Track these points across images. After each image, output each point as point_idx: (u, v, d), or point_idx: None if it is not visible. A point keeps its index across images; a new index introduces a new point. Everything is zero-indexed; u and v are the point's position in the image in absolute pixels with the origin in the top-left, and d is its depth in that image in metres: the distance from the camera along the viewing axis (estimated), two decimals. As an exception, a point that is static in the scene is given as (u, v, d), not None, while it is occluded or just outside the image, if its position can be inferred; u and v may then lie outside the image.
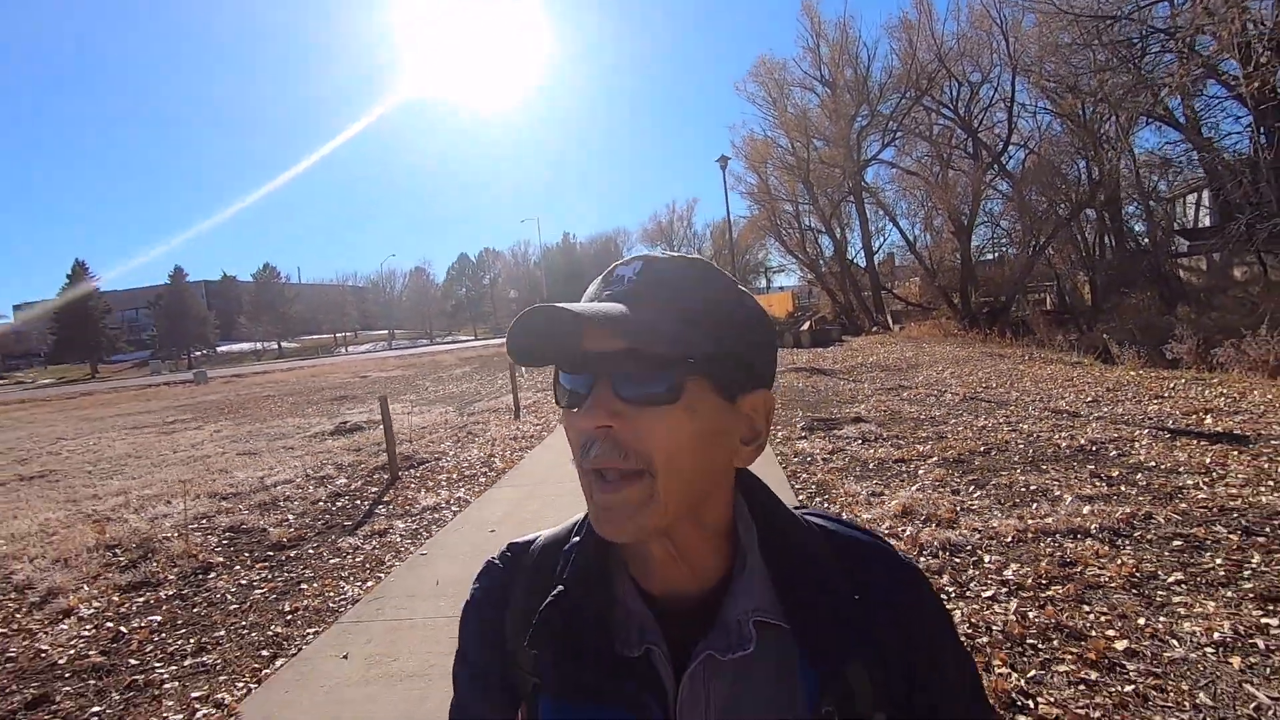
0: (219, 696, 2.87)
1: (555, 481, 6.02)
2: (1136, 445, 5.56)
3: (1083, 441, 5.82)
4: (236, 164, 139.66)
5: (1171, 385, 8.00)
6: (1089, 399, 7.72)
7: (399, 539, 4.89)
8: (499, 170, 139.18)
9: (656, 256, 0.58)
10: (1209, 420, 6.15)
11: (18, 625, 3.96)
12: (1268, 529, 3.58)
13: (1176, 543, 3.54)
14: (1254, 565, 3.19)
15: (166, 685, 3.04)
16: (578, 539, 0.63)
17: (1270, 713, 2.16)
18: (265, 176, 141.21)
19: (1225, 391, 7.35)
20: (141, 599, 4.19)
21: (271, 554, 4.84)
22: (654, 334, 0.53)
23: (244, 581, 4.33)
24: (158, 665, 3.26)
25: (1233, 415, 6.23)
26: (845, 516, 0.63)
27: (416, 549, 4.58)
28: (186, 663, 3.26)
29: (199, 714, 2.75)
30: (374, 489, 6.51)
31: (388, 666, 2.91)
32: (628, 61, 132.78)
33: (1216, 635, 2.63)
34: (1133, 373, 9.43)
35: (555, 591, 0.59)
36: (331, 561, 4.55)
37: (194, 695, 2.92)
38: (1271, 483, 4.32)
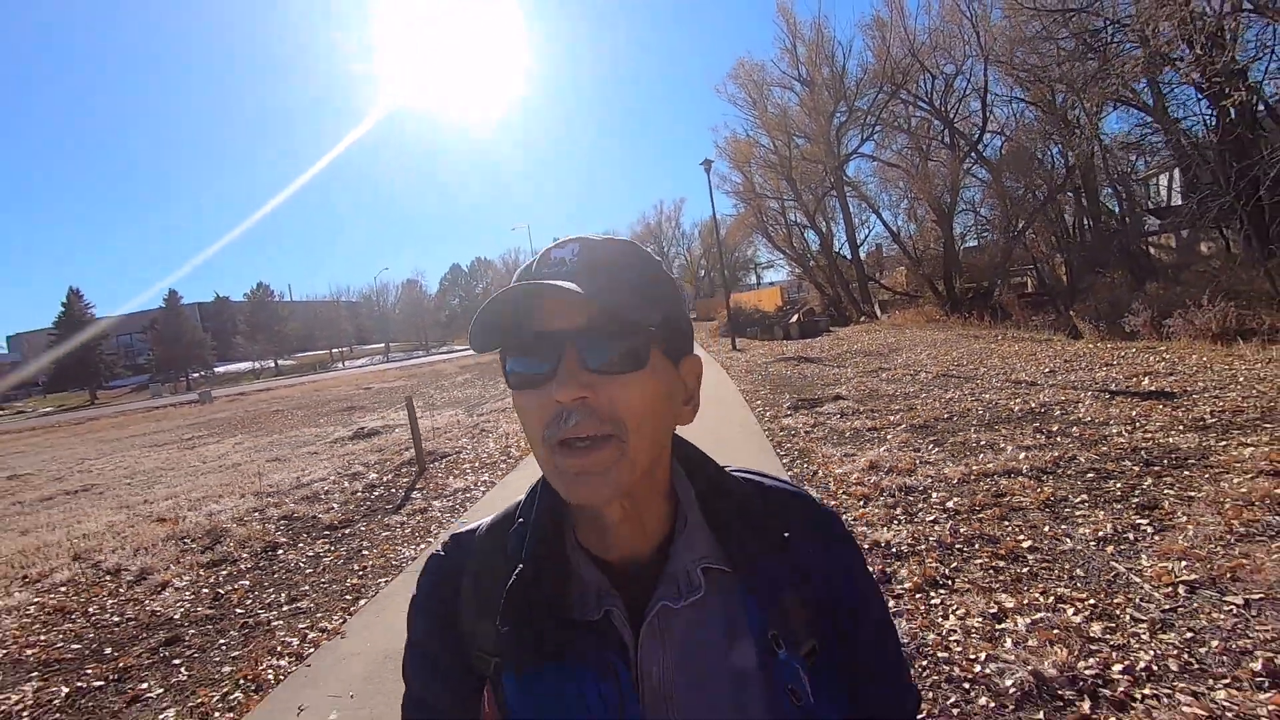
0: (322, 625, 3.61)
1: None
2: (1079, 406, 6.32)
3: (1034, 405, 6.59)
4: (225, 186, 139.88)
5: (1122, 354, 8.80)
6: (1047, 370, 8.50)
7: (439, 514, 5.64)
8: (488, 179, 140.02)
9: (589, 238, 0.62)
10: (1146, 381, 6.93)
11: (125, 596, 4.67)
12: (1165, 461, 4.35)
13: (1089, 475, 4.31)
14: (1144, 487, 3.96)
15: (274, 623, 3.78)
16: (521, 521, 0.67)
17: (1123, 578, 2.92)
18: (255, 197, 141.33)
19: (1167, 357, 8.15)
20: (225, 572, 4.91)
21: (328, 533, 5.57)
22: (623, 305, 0.57)
23: (311, 554, 5.06)
24: (261, 611, 4.00)
25: (1167, 376, 7.01)
26: (769, 471, 0.78)
27: (456, 520, 5.32)
28: (285, 609, 3.99)
29: (309, 636, 3.49)
30: (405, 479, 7.24)
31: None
32: (610, 67, 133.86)
33: (1100, 534, 3.39)
34: (1091, 345, 10.24)
35: (517, 570, 0.62)
36: (383, 534, 5.29)
37: (300, 626, 3.66)
38: (1181, 427, 5.09)
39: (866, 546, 3.56)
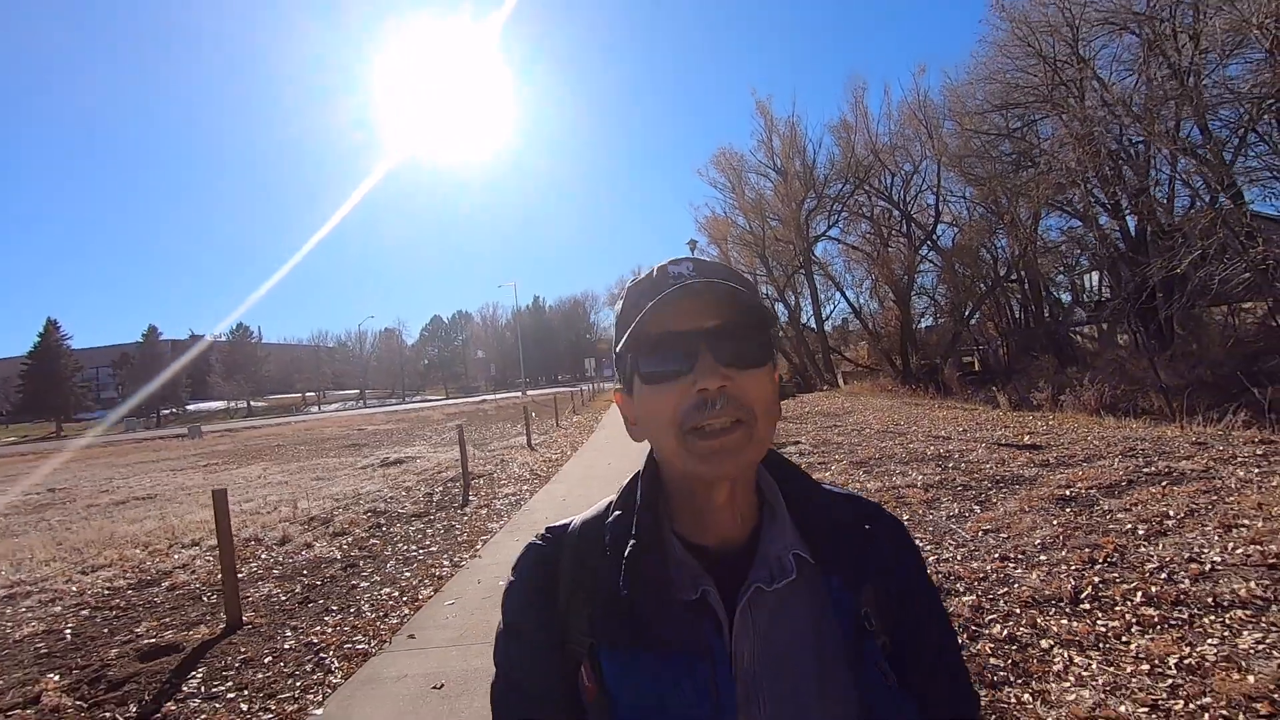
0: (459, 555, 5.52)
1: (590, 480, 8.74)
2: (973, 452, 8.54)
3: (942, 451, 8.78)
4: (204, 228, 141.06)
5: (1020, 420, 11.16)
6: (961, 429, 10.78)
7: (501, 508, 7.55)
8: (472, 236, 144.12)
9: (698, 258, 0.73)
10: (1026, 438, 9.21)
11: (280, 551, 6.46)
12: (1009, 481, 6.53)
13: (959, 487, 6.46)
14: (990, 493, 6.11)
15: (421, 556, 5.67)
16: (619, 512, 0.74)
17: (953, 532, 5.02)
18: (237, 242, 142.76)
19: (1050, 423, 10.50)
20: (350, 538, 6.73)
21: (415, 519, 7.42)
22: (756, 309, 0.68)
23: (415, 528, 6.93)
24: (405, 553, 5.87)
25: (1043, 435, 9.30)
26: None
27: (519, 510, 7.24)
28: (420, 552, 5.88)
29: (455, 559, 5.40)
30: (455, 490, 9.10)
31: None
32: (595, 133, 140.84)
33: (949, 514, 5.51)
34: (1001, 414, 12.63)
35: (630, 544, 0.69)
36: (464, 518, 7.18)
37: (443, 557, 5.56)
38: (1032, 465, 7.29)
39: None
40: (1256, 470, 5.63)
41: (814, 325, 35.49)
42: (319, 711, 3.04)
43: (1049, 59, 18.61)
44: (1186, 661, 2.72)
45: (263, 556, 6.27)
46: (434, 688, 3.15)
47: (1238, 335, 17.84)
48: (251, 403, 72.63)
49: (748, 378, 0.66)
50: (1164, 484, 5.53)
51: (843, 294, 34.19)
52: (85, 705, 3.32)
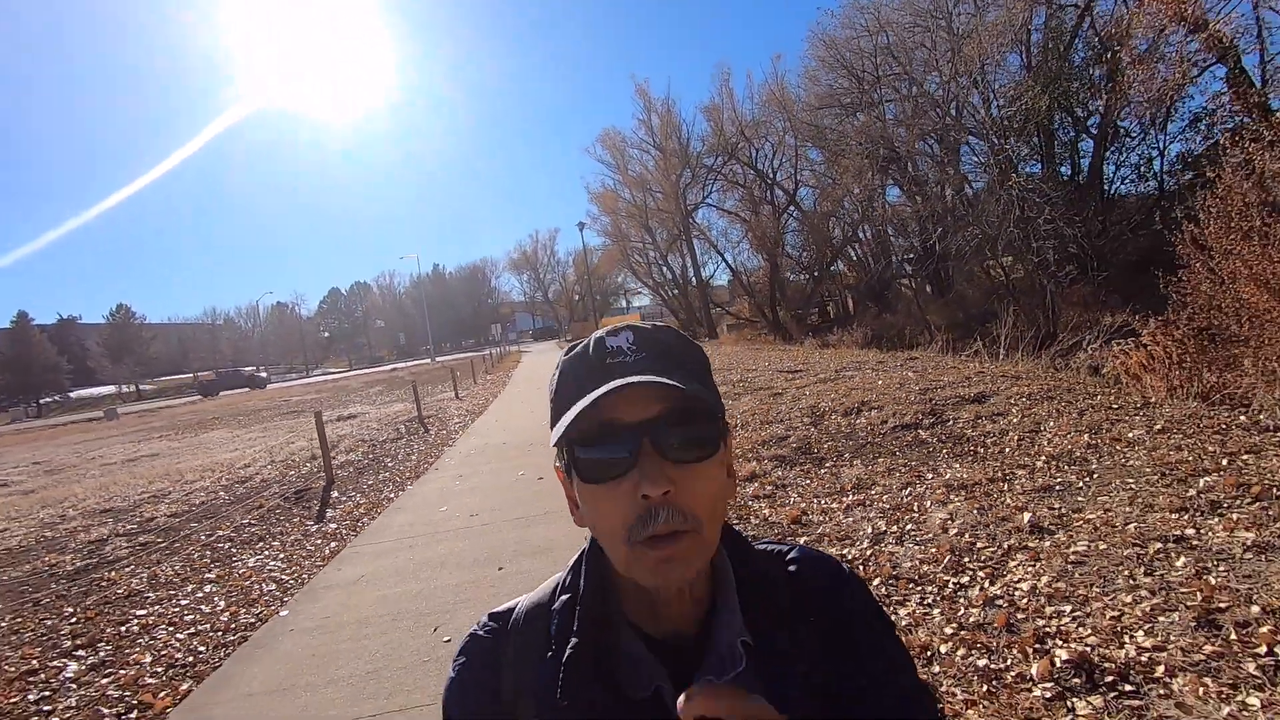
0: (443, 447, 9.50)
1: (511, 413, 12.79)
2: (761, 376, 13.17)
3: (744, 378, 13.38)
4: (66, 195, 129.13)
5: (805, 354, 16.10)
6: (767, 363, 15.53)
7: (454, 429, 11.50)
8: (367, 206, 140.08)
9: (638, 325, 0.66)
10: (799, 365, 14.01)
11: (317, 463, 10.14)
12: (761, 388, 11.11)
13: (734, 395, 10.99)
14: (741, 395, 10.65)
15: (418, 452, 9.59)
16: (566, 597, 0.71)
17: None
18: (95, 207, 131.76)
19: (823, 356, 15.44)
20: (360, 453, 10.48)
21: (396, 440, 11.23)
22: (701, 394, 0.61)
23: (400, 444, 10.76)
24: (406, 452, 9.76)
25: (812, 363, 14.13)
26: (790, 540, 0.84)
27: (467, 429, 11.24)
28: (416, 451, 9.79)
29: (440, 450, 9.39)
30: (416, 426, 12.88)
31: (493, 435, 9.67)
32: (491, 102, 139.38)
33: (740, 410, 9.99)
34: (800, 350, 17.64)
35: (571, 644, 0.65)
36: (430, 437, 11.09)
37: (431, 451, 9.51)
38: (783, 379, 11.95)
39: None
40: (883, 371, 10.47)
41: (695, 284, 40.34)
42: (412, 486, 7.08)
43: (854, 71, 23.52)
44: (768, 428, 7.19)
45: (306, 465, 9.96)
46: (457, 478, 7.24)
47: (987, 287, 23.99)
48: (141, 386, 70.41)
49: (695, 476, 0.62)
50: (834, 381, 10.26)
51: (721, 255, 39.03)
52: (289, 505, 7.15)
